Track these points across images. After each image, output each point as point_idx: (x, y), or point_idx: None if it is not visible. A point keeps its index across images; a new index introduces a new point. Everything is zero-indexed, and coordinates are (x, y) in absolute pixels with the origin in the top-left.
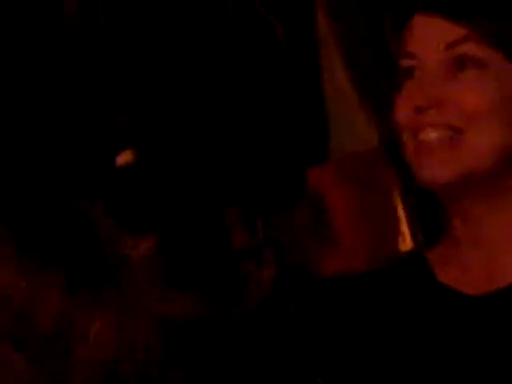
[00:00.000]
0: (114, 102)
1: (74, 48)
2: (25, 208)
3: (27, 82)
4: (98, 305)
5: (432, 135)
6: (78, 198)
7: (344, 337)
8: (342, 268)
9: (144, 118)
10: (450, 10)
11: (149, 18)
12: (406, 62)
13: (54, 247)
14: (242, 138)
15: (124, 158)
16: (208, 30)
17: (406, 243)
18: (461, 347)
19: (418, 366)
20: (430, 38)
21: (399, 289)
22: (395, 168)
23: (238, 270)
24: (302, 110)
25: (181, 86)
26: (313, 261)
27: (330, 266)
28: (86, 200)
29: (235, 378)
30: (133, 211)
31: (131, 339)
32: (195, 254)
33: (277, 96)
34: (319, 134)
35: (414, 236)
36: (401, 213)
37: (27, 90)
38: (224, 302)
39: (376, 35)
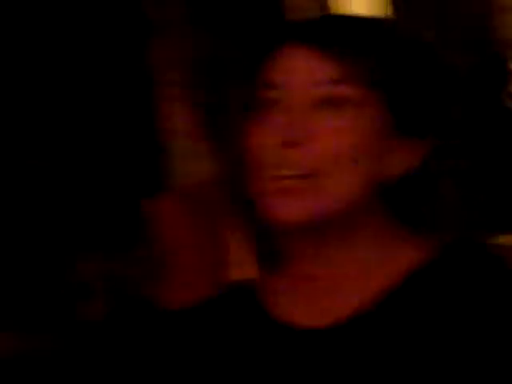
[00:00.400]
0: None
1: None
2: None
3: None
4: None
5: (288, 173)
6: None
7: (181, 368)
8: (181, 300)
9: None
10: (323, 46)
11: None
12: (268, 93)
13: None
14: (76, 173)
15: None
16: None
17: (241, 275)
18: (287, 381)
19: None
20: (300, 72)
21: (229, 321)
22: (235, 201)
23: (68, 303)
24: (136, 142)
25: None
26: (154, 293)
27: (172, 297)
28: None
29: None
30: None
31: None
32: (25, 290)
33: (114, 131)
34: (155, 166)
35: (248, 267)
36: (235, 244)
37: None
38: (51, 336)
39: (218, 68)
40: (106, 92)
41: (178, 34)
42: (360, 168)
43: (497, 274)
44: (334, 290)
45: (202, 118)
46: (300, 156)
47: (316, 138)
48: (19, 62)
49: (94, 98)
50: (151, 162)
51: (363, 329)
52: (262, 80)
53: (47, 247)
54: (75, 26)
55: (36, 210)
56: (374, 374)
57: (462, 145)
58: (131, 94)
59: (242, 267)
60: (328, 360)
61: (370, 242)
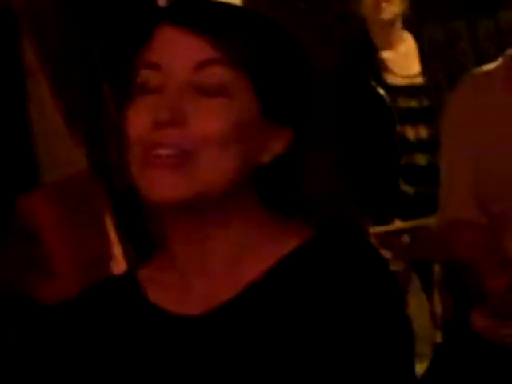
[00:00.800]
0: None
1: None
2: None
3: None
4: None
5: (163, 153)
6: None
7: (65, 361)
8: (58, 294)
9: None
10: (200, 27)
11: None
12: (147, 73)
13: None
14: None
15: None
16: None
17: (120, 265)
18: (166, 367)
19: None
20: (180, 53)
21: (111, 309)
22: (106, 190)
23: None
24: (8, 138)
25: None
26: (30, 289)
27: (46, 292)
28: None
29: None
30: None
31: None
32: None
33: None
34: (27, 160)
35: (127, 257)
36: (113, 235)
37: None
38: None
39: (85, 60)
40: None
41: (48, 29)
42: (231, 152)
43: (363, 254)
44: (208, 276)
45: (75, 112)
46: (172, 136)
47: (187, 120)
48: None
49: None
50: (24, 158)
51: (234, 315)
52: (138, 62)
53: None
54: None
55: None
56: (246, 359)
57: (329, 132)
58: (3, 89)
59: (118, 260)
60: (198, 346)
61: (243, 227)
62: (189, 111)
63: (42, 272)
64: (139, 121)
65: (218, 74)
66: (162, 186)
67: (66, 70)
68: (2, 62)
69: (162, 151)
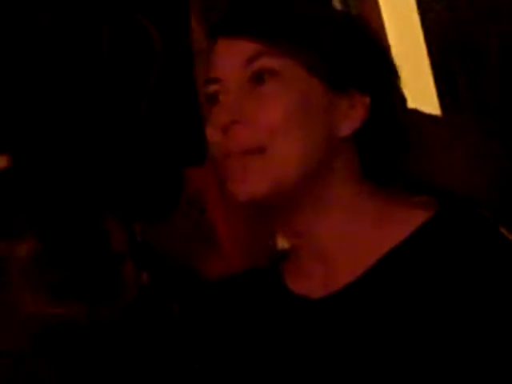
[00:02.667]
0: None
1: None
2: None
3: None
4: None
5: (238, 153)
6: None
7: (214, 339)
8: (222, 269)
9: (18, 124)
10: (240, 28)
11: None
12: (210, 88)
13: None
14: (118, 142)
15: (1, 162)
16: (83, 36)
17: (285, 243)
18: (302, 350)
19: (263, 366)
20: (230, 60)
21: (257, 296)
22: None
23: (115, 274)
24: (179, 113)
25: (54, 91)
26: (194, 263)
27: (210, 266)
28: None
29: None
30: (8, 215)
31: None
32: (73, 258)
33: (153, 101)
34: (197, 136)
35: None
36: None
37: None
38: (101, 305)
39: None
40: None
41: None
42: (302, 134)
43: (490, 236)
44: (326, 260)
45: None
46: (241, 135)
47: (253, 116)
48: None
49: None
50: (193, 133)
51: (361, 294)
52: (205, 78)
53: (88, 216)
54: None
55: (79, 178)
56: (376, 336)
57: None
58: (173, 69)
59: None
60: (330, 327)
61: (349, 206)
62: (247, 106)
63: (208, 245)
64: (211, 133)
65: (267, 62)
66: (241, 186)
67: None
68: (171, 43)
69: (234, 153)
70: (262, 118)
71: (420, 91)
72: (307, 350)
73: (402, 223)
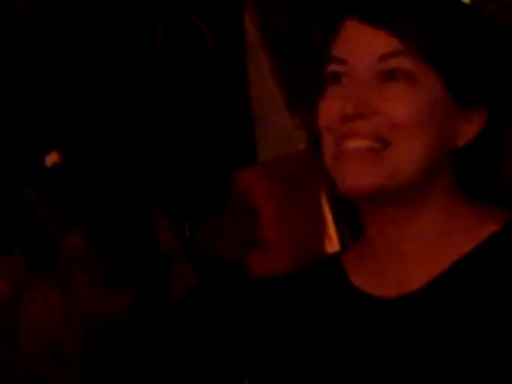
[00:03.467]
0: (40, 107)
1: None
2: None
3: None
4: (43, 285)
5: (357, 144)
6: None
7: (266, 338)
8: (269, 270)
9: (71, 121)
10: (384, 20)
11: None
12: (334, 67)
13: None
14: (168, 140)
15: (52, 158)
16: (136, 33)
17: (333, 245)
18: (371, 348)
19: (328, 364)
20: (363, 46)
21: (315, 292)
22: (323, 171)
23: (164, 271)
24: (229, 113)
25: (108, 89)
26: (241, 262)
27: (258, 267)
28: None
29: (161, 369)
30: (62, 208)
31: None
32: (121, 254)
33: (204, 99)
34: (246, 136)
35: (340, 238)
36: (328, 215)
37: None
38: (151, 300)
39: (305, 42)
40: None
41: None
42: (423, 138)
43: None
44: (403, 261)
45: (293, 90)
46: (365, 127)
47: (375, 110)
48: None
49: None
50: (242, 134)
51: (435, 297)
52: (329, 55)
53: (137, 213)
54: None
55: (126, 176)
56: (445, 341)
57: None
58: (225, 67)
59: (331, 240)
60: (401, 328)
61: (439, 212)
62: (375, 101)
63: (255, 246)
64: (329, 111)
65: (402, 63)
66: (356, 177)
67: (286, 46)
68: (224, 39)
69: (352, 143)
70: (389, 113)
71: None
72: (375, 350)
73: (478, 229)
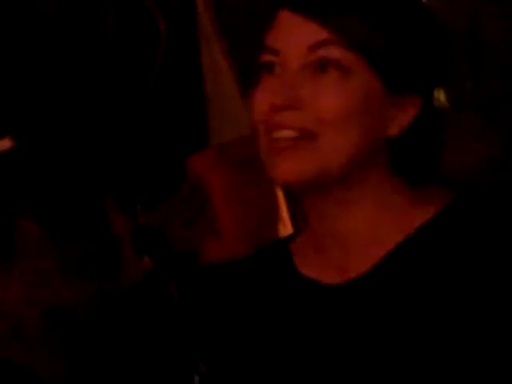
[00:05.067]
0: None
1: None
2: None
3: None
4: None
5: (285, 134)
6: None
7: (216, 322)
8: (223, 254)
9: (21, 107)
10: (314, 10)
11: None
12: (267, 57)
13: None
14: (121, 125)
15: (4, 144)
16: (87, 19)
17: (287, 228)
18: (317, 334)
19: (275, 351)
20: (295, 37)
21: (263, 278)
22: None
23: (117, 255)
24: (181, 97)
25: (58, 73)
26: (195, 247)
27: (212, 252)
28: None
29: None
30: (10, 196)
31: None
32: (74, 238)
33: (157, 84)
34: (199, 120)
35: (294, 221)
36: (281, 198)
37: None
38: (103, 285)
39: (256, 26)
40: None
41: None
42: (352, 128)
43: (505, 225)
44: (346, 248)
45: (245, 73)
46: (290, 119)
47: (304, 102)
48: None
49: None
50: (195, 119)
51: (378, 283)
52: (263, 45)
53: (85, 200)
54: None
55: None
56: (392, 325)
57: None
58: (177, 52)
59: (285, 223)
60: (346, 314)
61: (378, 199)
62: (305, 92)
63: (209, 231)
64: (260, 102)
65: (331, 52)
66: (284, 168)
67: (238, 30)
68: (177, 26)
69: (281, 133)
70: (318, 106)
71: None
72: (318, 335)
73: (420, 213)
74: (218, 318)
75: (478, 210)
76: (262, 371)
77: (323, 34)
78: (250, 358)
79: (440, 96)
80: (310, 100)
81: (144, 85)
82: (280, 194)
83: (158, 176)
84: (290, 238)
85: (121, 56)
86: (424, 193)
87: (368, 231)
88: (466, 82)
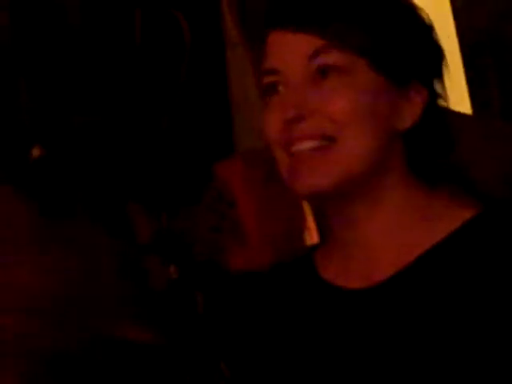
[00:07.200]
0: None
1: None
2: None
3: None
4: None
5: (306, 145)
6: None
7: (243, 330)
8: (248, 263)
9: (49, 115)
10: (304, 24)
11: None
12: (269, 79)
13: None
14: (148, 133)
15: (35, 152)
16: (115, 26)
17: (313, 237)
18: (344, 340)
19: (304, 358)
20: (291, 52)
21: (288, 287)
22: None
23: (141, 264)
24: (208, 104)
25: (85, 80)
26: (219, 255)
27: (236, 260)
28: None
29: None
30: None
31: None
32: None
33: (183, 92)
34: (225, 127)
35: (320, 230)
36: (307, 208)
37: None
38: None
39: None
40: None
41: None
42: (370, 125)
43: None
44: (373, 253)
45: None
46: (308, 128)
47: (319, 109)
48: None
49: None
50: (221, 126)
51: (404, 286)
52: (261, 70)
53: (122, 210)
54: None
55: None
56: (414, 331)
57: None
58: (205, 58)
59: (311, 233)
60: (371, 318)
61: (401, 200)
62: (313, 100)
63: (234, 239)
64: (272, 121)
65: (329, 58)
66: (310, 179)
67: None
68: (204, 31)
69: (302, 145)
70: (327, 109)
71: (450, 89)
72: (345, 341)
73: (447, 220)
74: (244, 327)
75: (507, 222)
76: (289, 379)
77: (318, 42)
78: (277, 366)
79: None
80: (319, 106)
81: (171, 92)
82: (306, 205)
83: (184, 182)
84: (314, 248)
85: (148, 64)
86: (451, 199)
87: (392, 236)
88: (491, 88)
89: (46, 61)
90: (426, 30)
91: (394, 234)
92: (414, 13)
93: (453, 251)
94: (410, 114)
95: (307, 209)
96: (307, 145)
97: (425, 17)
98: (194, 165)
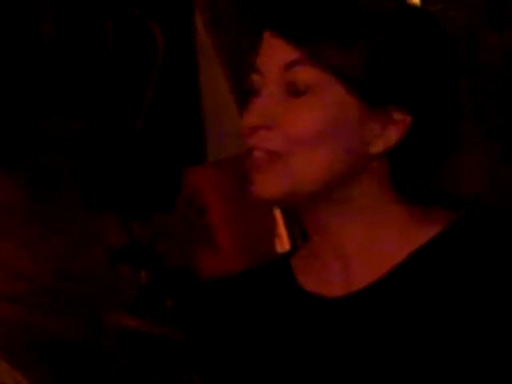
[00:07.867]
0: None
1: None
2: None
3: None
4: None
5: (256, 155)
6: None
7: (215, 337)
8: (219, 269)
9: (14, 124)
10: (291, 32)
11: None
12: (253, 77)
13: None
14: (119, 141)
15: None
16: (87, 32)
17: (284, 245)
18: (320, 348)
19: (277, 365)
20: (271, 59)
21: (263, 293)
22: None
23: (113, 272)
24: (179, 112)
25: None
26: (190, 262)
27: (207, 267)
28: None
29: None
30: None
31: None
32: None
33: (154, 98)
34: (196, 135)
35: (291, 238)
36: (278, 215)
37: None
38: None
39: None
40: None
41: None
42: (327, 146)
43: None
44: (350, 261)
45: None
46: (261, 140)
47: (277, 123)
48: None
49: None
50: (192, 132)
51: (381, 296)
52: (250, 64)
53: (86, 214)
54: None
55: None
56: (392, 338)
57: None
58: (175, 63)
59: (282, 239)
60: (348, 327)
61: (372, 215)
62: (278, 112)
63: (206, 246)
64: (242, 125)
65: (304, 73)
66: (258, 186)
67: (237, 45)
68: (176, 38)
69: (255, 154)
70: (291, 128)
71: None
72: (321, 350)
73: (425, 228)
74: (218, 334)
75: (481, 231)
76: None
77: (296, 55)
78: (252, 373)
79: None
80: (280, 122)
81: (141, 98)
82: (277, 211)
83: (155, 190)
84: (290, 253)
85: (119, 69)
86: (427, 211)
87: (368, 246)
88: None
89: (15, 66)
90: (420, 53)
91: (369, 244)
92: (410, 37)
93: (429, 261)
94: (383, 139)
95: (278, 215)
96: (257, 155)
97: (428, 40)
98: (164, 172)
